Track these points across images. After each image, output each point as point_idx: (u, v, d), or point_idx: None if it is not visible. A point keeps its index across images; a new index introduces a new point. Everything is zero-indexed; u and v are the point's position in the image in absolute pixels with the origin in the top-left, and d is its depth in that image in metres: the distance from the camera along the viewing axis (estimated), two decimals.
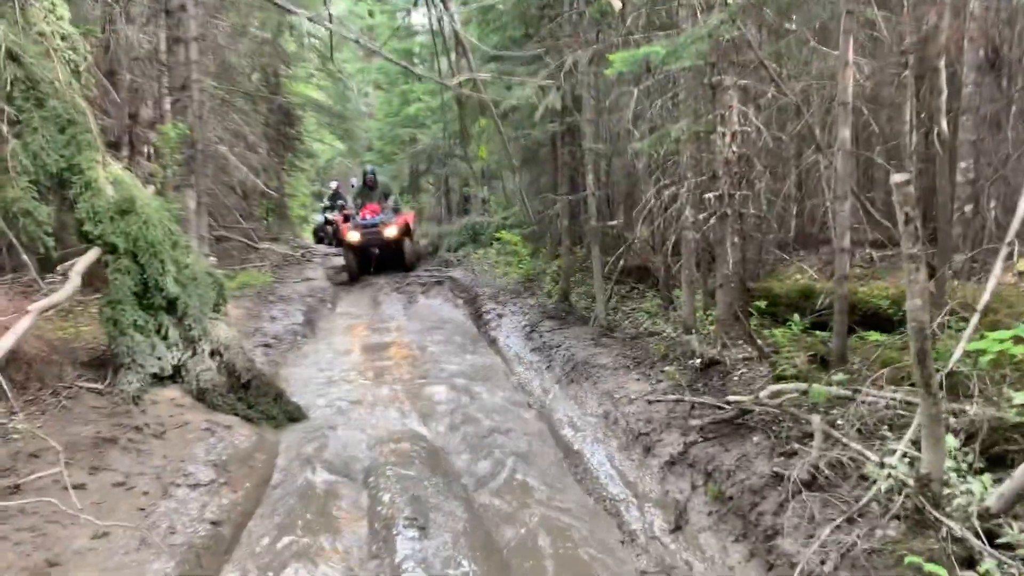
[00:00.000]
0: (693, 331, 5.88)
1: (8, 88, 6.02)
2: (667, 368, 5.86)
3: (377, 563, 3.92)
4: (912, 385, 3.67)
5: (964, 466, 3.13)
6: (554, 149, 10.52)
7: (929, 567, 2.41)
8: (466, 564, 3.87)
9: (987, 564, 2.46)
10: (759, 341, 5.29)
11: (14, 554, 3.44)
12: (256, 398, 6.77)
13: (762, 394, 4.33)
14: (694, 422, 4.59)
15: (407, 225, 15.05)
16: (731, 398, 4.47)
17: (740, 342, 5.63)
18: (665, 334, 6.61)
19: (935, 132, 4.91)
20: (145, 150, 11.79)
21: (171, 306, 6.50)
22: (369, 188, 15.27)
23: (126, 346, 6.13)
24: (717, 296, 5.89)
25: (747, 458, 3.94)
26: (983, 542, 2.59)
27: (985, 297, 3.60)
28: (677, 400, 5.03)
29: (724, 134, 5.55)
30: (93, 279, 6.98)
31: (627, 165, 8.54)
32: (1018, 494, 2.72)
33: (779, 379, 4.64)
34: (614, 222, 9.50)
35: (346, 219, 15.51)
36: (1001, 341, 3.34)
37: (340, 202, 20.34)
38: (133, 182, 6.79)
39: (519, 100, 7.46)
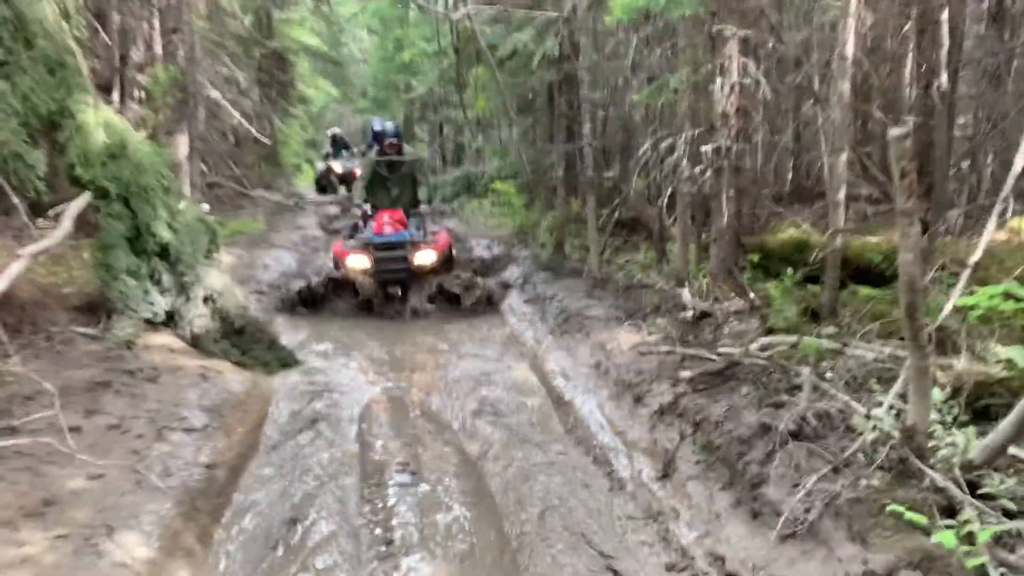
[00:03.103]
0: (686, 284, 5.89)
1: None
2: (659, 320, 5.89)
3: (369, 507, 3.98)
4: (901, 339, 3.71)
5: (949, 419, 3.18)
6: (551, 98, 10.38)
7: (910, 515, 2.46)
8: (456, 508, 3.93)
9: (967, 513, 2.51)
10: (751, 294, 5.32)
11: (11, 493, 3.49)
12: (249, 344, 6.80)
13: (752, 346, 4.37)
14: (684, 373, 4.63)
15: (449, 247, 9.08)
16: (721, 350, 4.52)
17: (732, 295, 5.65)
18: (658, 286, 6.63)
19: (935, 86, 4.87)
20: (135, 93, 11.62)
21: (164, 252, 6.47)
22: (385, 163, 9.41)
23: (119, 291, 6.12)
24: (711, 250, 5.90)
25: (735, 409, 3.99)
26: (965, 492, 2.65)
27: (977, 253, 3.61)
28: (668, 352, 5.07)
29: (723, 85, 5.49)
30: (83, 224, 6.94)
31: (624, 116, 8.46)
32: (1000, 447, 2.77)
33: (770, 332, 4.68)
34: (610, 173, 9.44)
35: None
36: (991, 297, 3.36)
37: (344, 151, 19.87)
38: (124, 126, 6.69)
39: (517, 45, 7.33)
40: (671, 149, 5.75)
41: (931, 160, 5.16)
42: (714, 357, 4.53)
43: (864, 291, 5.35)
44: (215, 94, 10.96)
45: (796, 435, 3.41)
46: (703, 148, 5.47)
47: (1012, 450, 2.82)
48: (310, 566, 3.43)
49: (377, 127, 9.72)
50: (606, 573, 3.31)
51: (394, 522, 3.77)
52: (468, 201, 15.54)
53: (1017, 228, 6.44)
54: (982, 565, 2.30)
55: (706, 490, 3.71)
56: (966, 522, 2.43)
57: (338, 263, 8.71)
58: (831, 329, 4.48)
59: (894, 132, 2.72)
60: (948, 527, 2.45)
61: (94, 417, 4.59)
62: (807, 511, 2.96)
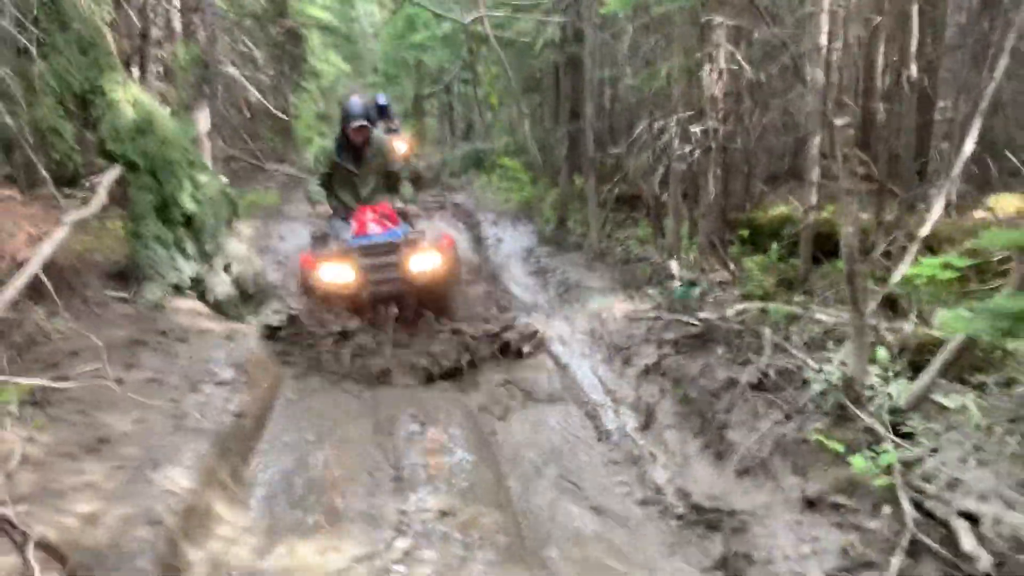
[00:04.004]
0: (676, 256, 6.32)
1: (34, 12, 6.35)
2: (651, 291, 6.33)
3: (382, 453, 4.47)
4: None
5: (892, 374, 3.63)
6: (556, 78, 10.76)
7: (829, 444, 2.92)
8: (459, 453, 4.42)
9: (887, 447, 2.97)
10: (732, 266, 5.76)
11: (69, 432, 3.98)
12: (266, 307, 7.28)
13: (728, 312, 4.82)
14: (668, 337, 5.10)
15: (454, 252, 6.69)
16: (700, 316, 4.96)
17: (718, 267, 6.09)
18: (652, 260, 7.06)
19: (905, 75, 5.25)
20: (155, 69, 12.04)
21: (188, 222, 6.93)
22: (349, 154, 6.44)
23: (148, 258, 6.59)
24: (699, 224, 6.33)
25: (710, 367, 4.46)
26: (888, 431, 3.10)
27: (925, 229, 4.03)
28: (655, 318, 5.53)
29: (712, 71, 5.89)
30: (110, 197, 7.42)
31: (624, 99, 8.84)
32: (923, 394, 3.22)
33: (746, 299, 5.12)
34: (616, 150, 9.82)
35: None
36: (932, 267, 3.79)
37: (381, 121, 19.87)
38: (151, 103, 7.14)
39: (518, 35, 7.72)
40: (663, 130, 6.16)
41: (900, 143, 5.56)
42: (695, 322, 4.98)
43: (840, 264, 5.77)
44: (233, 71, 11.35)
45: (757, 387, 3.87)
46: (692, 129, 5.88)
47: (935, 397, 3.27)
48: (327, 498, 3.93)
49: (346, 105, 6.42)
50: (587, 507, 3.80)
51: (404, 463, 4.26)
52: (477, 176, 15.92)
53: (994, 206, 6.87)
54: (892, 487, 2.76)
55: (680, 437, 4.18)
56: (883, 453, 2.89)
57: (307, 281, 6.32)
58: (801, 297, 4.92)
59: (837, 121, 3.15)
60: (872, 457, 2.90)
61: (133, 371, 5.07)
62: (760, 451, 3.42)
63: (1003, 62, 4.33)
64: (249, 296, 7.21)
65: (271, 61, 15.56)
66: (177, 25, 11.53)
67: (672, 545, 3.38)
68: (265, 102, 11.72)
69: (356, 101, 6.42)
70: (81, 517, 3.28)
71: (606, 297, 6.76)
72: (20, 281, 4.68)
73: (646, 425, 4.52)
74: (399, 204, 6.49)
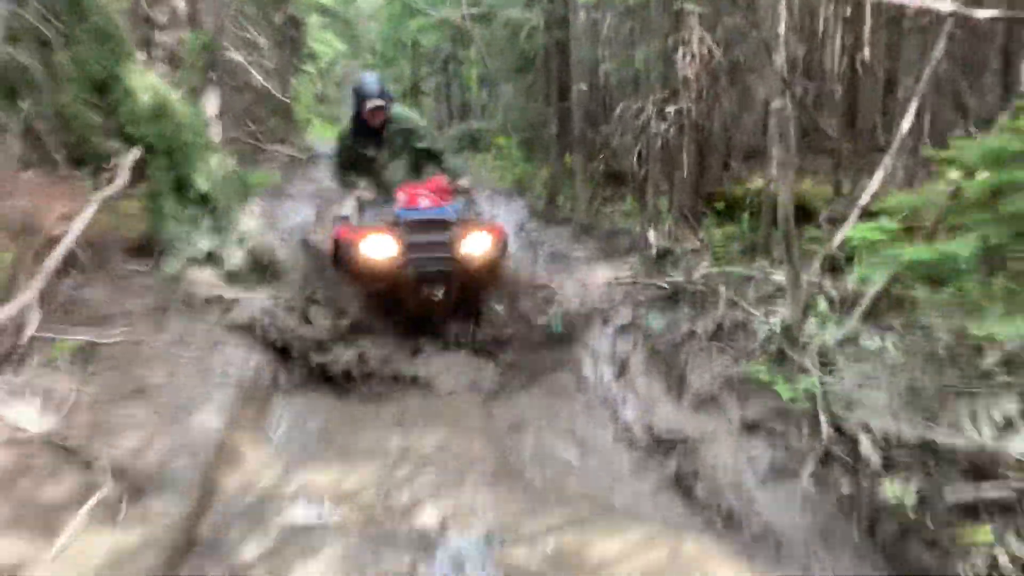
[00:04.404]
0: (654, 227, 6.87)
1: (56, 5, 6.83)
2: (630, 259, 6.88)
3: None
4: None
5: (827, 323, 4.18)
6: (547, 59, 11.23)
7: (769, 379, 3.48)
8: (455, 398, 5.01)
9: (812, 378, 3.53)
10: (701, 234, 6.31)
11: (110, 383, 4.54)
12: (275, 280, 7.83)
13: (694, 276, 5.37)
14: (641, 298, 5.65)
15: (505, 240, 5.82)
16: (669, 279, 5.52)
17: (690, 236, 6.64)
18: (634, 231, 7.60)
19: (859, 59, 5.76)
20: (159, 53, 12.50)
21: (202, 200, 7.45)
22: (364, 137, 5.98)
23: (167, 233, 7.12)
24: (674, 198, 6.87)
25: (675, 322, 5.02)
26: (816, 367, 3.66)
27: (864, 198, 4.57)
28: (632, 283, 6.08)
29: (685, 55, 6.40)
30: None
31: (613, 77, 9.34)
32: (851, 336, 3.77)
33: (714, 264, 5.67)
34: (606, 126, 10.31)
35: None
36: (866, 230, 4.34)
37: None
38: (166, 89, 7.64)
39: (506, 23, 8.20)
40: (641, 110, 6.68)
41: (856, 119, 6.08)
42: (665, 285, 5.54)
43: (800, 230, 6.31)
44: (238, 57, 11.82)
45: (713, 337, 4.43)
46: (667, 109, 6.40)
47: (862, 340, 3.83)
48: (338, 437, 4.50)
49: (359, 83, 5.84)
50: (566, 442, 4.38)
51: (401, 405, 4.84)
52: (472, 155, 16.41)
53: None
54: (814, 411, 3.32)
55: (648, 382, 4.76)
56: (807, 382, 3.45)
57: (344, 252, 5.64)
58: (763, 261, 5.47)
59: (775, 104, 3.68)
60: (796, 388, 3.47)
61: (160, 334, 5.63)
62: (712, 389, 3.99)
63: (941, 44, 4.85)
64: (263, 268, 7.74)
65: (273, 46, 15.98)
66: (180, 9, 11.99)
67: (635, 469, 3.97)
68: (268, 86, 12.19)
69: (369, 78, 5.72)
70: (130, 450, 3.85)
71: (590, 266, 7.30)
72: (59, 252, 5.24)
73: (620, 374, 5.09)
74: (463, 182, 5.81)
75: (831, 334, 3.88)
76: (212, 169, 7.64)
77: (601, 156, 8.95)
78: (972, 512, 2.60)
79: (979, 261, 3.15)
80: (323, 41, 23.99)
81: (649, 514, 3.60)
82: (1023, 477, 2.58)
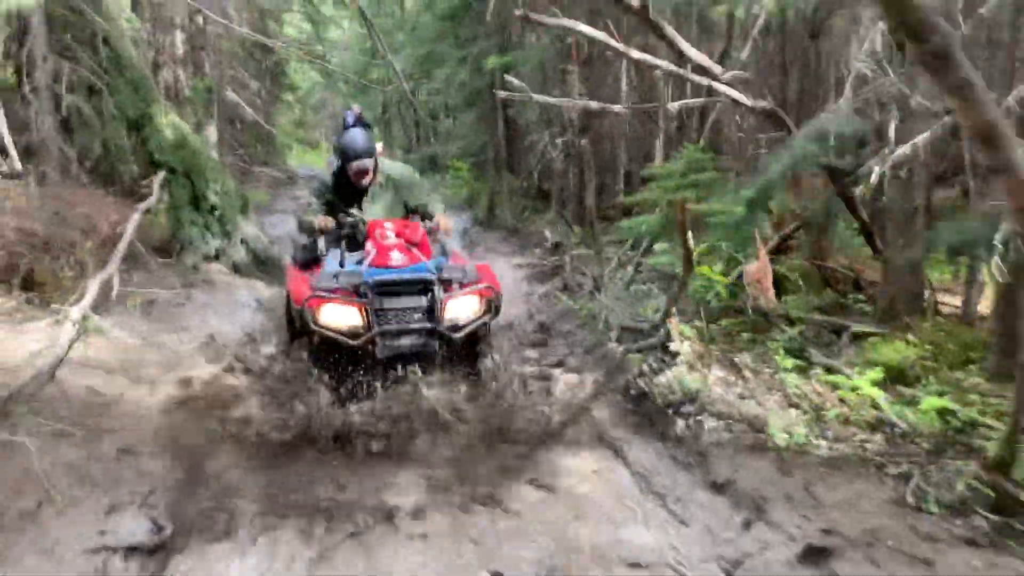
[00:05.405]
0: (550, 229, 9.30)
1: (103, 63, 9.15)
2: (536, 250, 9.31)
3: None
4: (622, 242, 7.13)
5: (617, 272, 6.60)
6: (491, 94, 13.71)
7: (569, 301, 5.89)
8: None
9: (597, 300, 5.94)
10: (575, 228, 8.76)
11: (164, 324, 6.82)
12: (271, 270, 10.15)
13: (566, 257, 7.79)
14: (533, 275, 8.06)
15: (498, 290, 4.56)
16: (549, 260, 7.95)
17: (577, 233, 9.09)
18: (541, 232, 10.05)
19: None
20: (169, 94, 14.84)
21: (212, 210, 9.77)
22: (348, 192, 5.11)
23: (186, 234, 9.42)
24: (567, 207, 9.33)
25: (552, 288, 7.43)
26: (598, 292, 6.07)
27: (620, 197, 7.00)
28: (530, 265, 8.49)
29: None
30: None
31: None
32: (667, 311, 6.19)
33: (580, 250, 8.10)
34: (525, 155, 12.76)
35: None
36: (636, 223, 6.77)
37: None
38: (184, 125, 9.98)
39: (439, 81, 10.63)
40: (537, 142, 9.12)
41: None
42: (546, 264, 7.97)
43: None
44: (233, 96, 14.18)
45: (563, 289, 6.84)
46: (556, 141, 8.86)
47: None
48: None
49: (346, 139, 4.87)
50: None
51: None
52: (432, 175, 18.83)
53: None
54: (593, 315, 5.73)
55: (528, 323, 7.14)
56: (588, 299, 5.88)
57: (299, 318, 4.50)
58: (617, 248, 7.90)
59: (557, 141, 6.10)
60: (579, 300, 5.90)
61: (190, 303, 7.91)
62: (554, 313, 6.41)
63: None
64: (261, 262, 10.07)
65: (258, 80, 18.34)
66: (179, 52, 14.35)
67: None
68: (257, 118, 14.49)
69: (357, 134, 4.86)
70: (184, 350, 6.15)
71: (509, 257, 9.73)
72: (124, 243, 7.52)
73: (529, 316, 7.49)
74: (439, 219, 5.01)
75: (620, 277, 6.30)
76: (219, 187, 9.98)
77: (523, 177, 11.40)
78: (649, 350, 4.99)
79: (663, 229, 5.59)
80: (301, 72, 26.44)
81: None
82: (654, 332, 4.98)
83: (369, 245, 4.56)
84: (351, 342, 4.20)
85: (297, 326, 4.77)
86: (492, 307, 4.46)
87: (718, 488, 3.71)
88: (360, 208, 5.00)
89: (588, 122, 8.96)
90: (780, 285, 5.50)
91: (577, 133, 8.83)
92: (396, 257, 4.42)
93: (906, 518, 3.22)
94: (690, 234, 4.42)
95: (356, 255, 4.65)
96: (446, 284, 4.37)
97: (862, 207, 5.37)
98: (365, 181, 4.92)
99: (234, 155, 17.76)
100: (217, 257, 9.84)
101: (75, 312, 5.77)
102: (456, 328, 4.28)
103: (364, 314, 4.20)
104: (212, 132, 12.27)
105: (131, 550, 3.04)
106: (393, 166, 5.22)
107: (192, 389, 5.10)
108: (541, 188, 12.63)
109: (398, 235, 4.55)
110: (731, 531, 3.36)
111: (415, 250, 4.54)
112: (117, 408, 4.56)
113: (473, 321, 4.35)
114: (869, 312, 5.21)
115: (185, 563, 3.03)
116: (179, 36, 13.52)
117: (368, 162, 4.78)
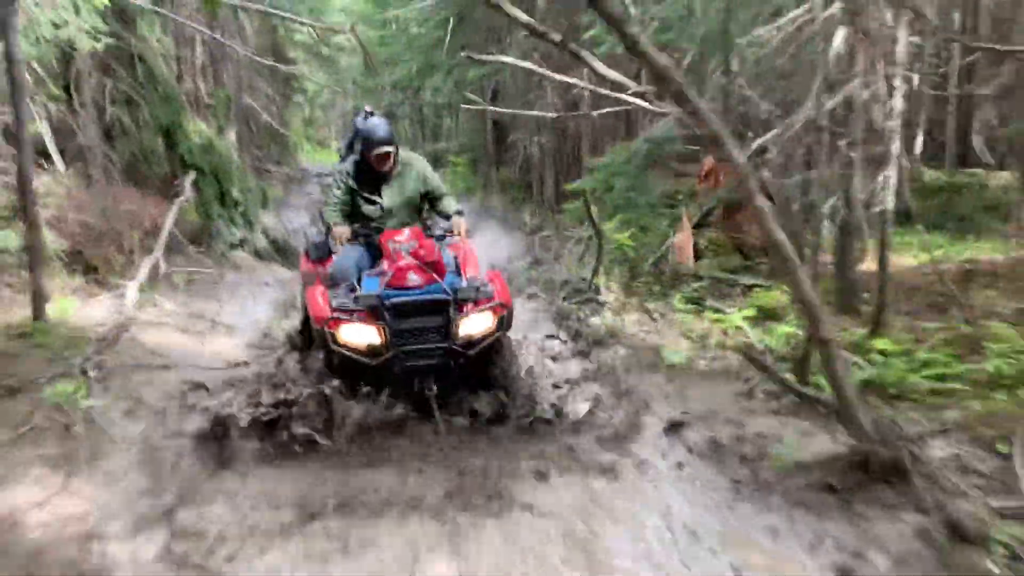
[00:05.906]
0: (528, 214, 10.69)
1: (139, 78, 10.56)
2: (517, 233, 10.70)
3: None
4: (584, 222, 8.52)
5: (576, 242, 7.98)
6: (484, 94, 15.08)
7: (530, 270, 7.29)
8: None
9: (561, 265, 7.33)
10: (551, 213, 10.15)
11: (204, 298, 8.25)
12: (288, 256, 11.59)
13: (535, 238, 9.18)
14: (513, 252, 9.47)
15: (510, 304, 4.74)
16: (525, 241, 9.34)
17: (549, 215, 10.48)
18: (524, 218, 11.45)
19: None
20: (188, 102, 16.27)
21: (236, 204, 11.21)
22: (369, 182, 5.21)
23: (214, 226, 10.86)
24: (544, 194, 10.72)
25: (524, 262, 8.83)
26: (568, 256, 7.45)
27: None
28: (510, 245, 9.89)
29: (543, 107, 10.21)
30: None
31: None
32: (594, 269, 7.57)
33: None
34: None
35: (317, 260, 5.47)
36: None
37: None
38: (211, 131, 11.41)
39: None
40: (518, 139, 10.49)
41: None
42: (523, 244, 9.35)
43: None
44: (251, 102, 15.59)
45: (534, 263, 8.23)
46: (534, 139, 10.23)
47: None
48: None
49: (360, 122, 5.36)
50: None
51: None
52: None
53: None
54: (578, 318, 7.13)
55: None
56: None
57: (318, 336, 4.70)
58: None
59: (536, 139, 7.48)
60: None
61: (223, 281, 9.32)
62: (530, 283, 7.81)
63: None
64: (279, 249, 11.50)
65: (271, 85, 19.74)
66: (198, 63, 15.78)
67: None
68: (272, 122, 15.91)
69: (378, 122, 5.14)
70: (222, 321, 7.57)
71: (497, 240, 11.13)
72: (165, 232, 8.96)
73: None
74: (440, 228, 5.18)
75: (573, 250, 7.67)
76: (241, 184, 11.42)
77: (512, 171, 12.78)
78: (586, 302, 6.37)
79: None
80: (311, 77, 27.84)
81: None
82: (589, 290, 6.36)
83: (385, 265, 4.64)
84: (369, 361, 4.38)
85: (316, 343, 4.81)
86: (504, 322, 4.58)
87: (623, 394, 5.07)
88: (380, 195, 5.14)
89: (560, 124, 10.32)
90: (700, 253, 6.86)
91: (549, 133, 10.21)
92: (413, 278, 4.46)
93: (740, 403, 4.60)
94: (594, 210, 5.82)
95: (372, 269, 4.84)
96: (461, 302, 4.44)
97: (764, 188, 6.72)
98: (386, 166, 5.06)
99: (251, 155, 19.26)
100: (241, 245, 11.28)
101: (132, 287, 7.22)
102: (470, 344, 4.44)
103: (382, 334, 4.35)
104: (232, 135, 13.68)
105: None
106: (409, 154, 5.44)
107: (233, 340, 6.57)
108: (526, 180, 14.02)
109: (413, 254, 4.54)
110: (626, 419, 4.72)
111: (428, 269, 4.50)
112: (177, 353, 6.01)
113: (487, 336, 4.48)
114: (764, 271, 6.57)
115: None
116: (199, 50, 14.95)
117: (389, 148, 4.96)
